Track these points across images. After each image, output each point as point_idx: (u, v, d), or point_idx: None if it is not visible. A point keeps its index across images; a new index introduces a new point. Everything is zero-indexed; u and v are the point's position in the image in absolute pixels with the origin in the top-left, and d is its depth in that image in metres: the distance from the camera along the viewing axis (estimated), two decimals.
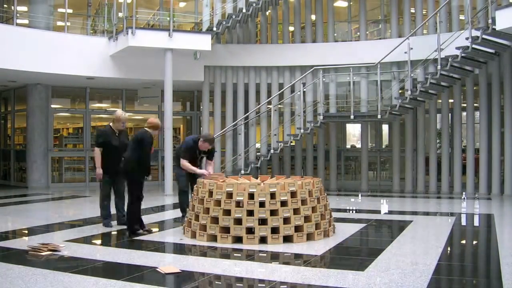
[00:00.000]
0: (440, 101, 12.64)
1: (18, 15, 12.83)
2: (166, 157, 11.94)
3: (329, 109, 12.83)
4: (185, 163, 7.35)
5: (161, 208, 10.11)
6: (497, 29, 9.78)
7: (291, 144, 13.00)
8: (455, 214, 9.32)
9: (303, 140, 13.57)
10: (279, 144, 12.56)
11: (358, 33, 13.82)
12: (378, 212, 9.69)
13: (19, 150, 15.43)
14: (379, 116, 11.34)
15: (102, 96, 15.98)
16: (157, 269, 4.91)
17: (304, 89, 12.94)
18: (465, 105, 12.42)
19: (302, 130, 12.36)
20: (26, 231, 7.27)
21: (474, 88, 12.30)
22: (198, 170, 7.38)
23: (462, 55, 10.40)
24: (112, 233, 7.28)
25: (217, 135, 13.34)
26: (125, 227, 6.91)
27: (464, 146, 12.72)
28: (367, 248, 6.20)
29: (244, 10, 12.28)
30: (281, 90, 13.21)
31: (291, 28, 14.19)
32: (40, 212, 9.82)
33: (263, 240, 5.99)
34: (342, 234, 6.65)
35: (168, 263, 5.52)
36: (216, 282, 4.71)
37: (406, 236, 6.74)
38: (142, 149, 6.64)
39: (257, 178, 7.20)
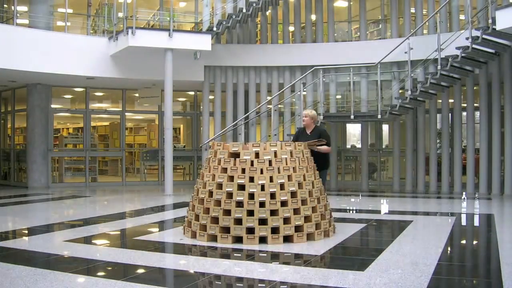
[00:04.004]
0: (440, 101, 12.64)
1: (18, 15, 12.84)
2: (166, 157, 11.95)
3: (329, 109, 12.82)
4: None
5: (161, 208, 10.11)
6: (497, 29, 9.77)
7: None
8: (455, 214, 9.32)
9: None
10: None
11: (358, 33, 13.82)
12: (378, 212, 9.69)
13: (19, 150, 15.43)
14: (379, 116, 11.34)
15: (102, 96, 16.00)
16: None
17: (304, 89, 12.95)
18: (465, 105, 12.42)
19: None
20: (26, 231, 7.27)
21: (474, 88, 12.30)
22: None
23: (462, 55, 10.39)
24: (112, 233, 7.29)
25: (217, 135, 13.35)
26: None
27: (464, 146, 12.72)
28: (367, 248, 6.20)
29: (244, 10, 12.28)
30: (281, 90, 13.22)
31: (291, 28, 14.19)
32: (40, 212, 9.82)
33: (263, 240, 5.99)
34: (342, 234, 6.64)
35: (168, 263, 5.53)
36: (216, 282, 4.71)
37: (406, 236, 6.74)
38: None
39: None
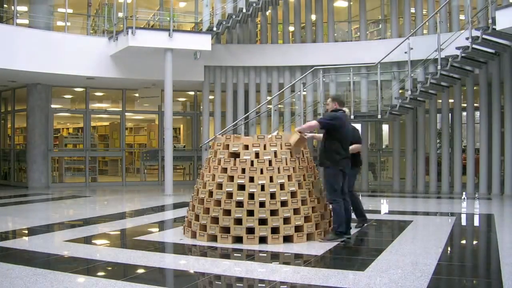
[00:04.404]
0: (440, 101, 12.64)
1: (18, 15, 12.84)
2: (166, 157, 11.94)
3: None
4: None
5: (161, 208, 10.11)
6: (497, 29, 9.77)
7: None
8: (455, 214, 9.32)
9: None
10: None
11: (358, 33, 13.82)
12: (378, 212, 9.69)
13: (19, 150, 15.43)
14: (379, 116, 11.33)
15: (102, 96, 16.00)
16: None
17: (304, 89, 12.94)
18: (465, 105, 12.42)
19: None
20: (26, 231, 7.27)
21: (474, 88, 12.30)
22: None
23: (462, 55, 10.39)
24: (112, 233, 7.29)
25: (217, 135, 13.35)
26: None
27: (464, 146, 12.71)
28: (367, 248, 6.20)
29: (244, 10, 12.27)
30: (281, 90, 13.21)
31: (291, 28, 14.19)
32: (40, 212, 9.82)
33: (263, 240, 5.99)
34: None
35: (168, 263, 5.53)
36: (216, 282, 4.71)
37: (406, 236, 6.74)
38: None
39: None
